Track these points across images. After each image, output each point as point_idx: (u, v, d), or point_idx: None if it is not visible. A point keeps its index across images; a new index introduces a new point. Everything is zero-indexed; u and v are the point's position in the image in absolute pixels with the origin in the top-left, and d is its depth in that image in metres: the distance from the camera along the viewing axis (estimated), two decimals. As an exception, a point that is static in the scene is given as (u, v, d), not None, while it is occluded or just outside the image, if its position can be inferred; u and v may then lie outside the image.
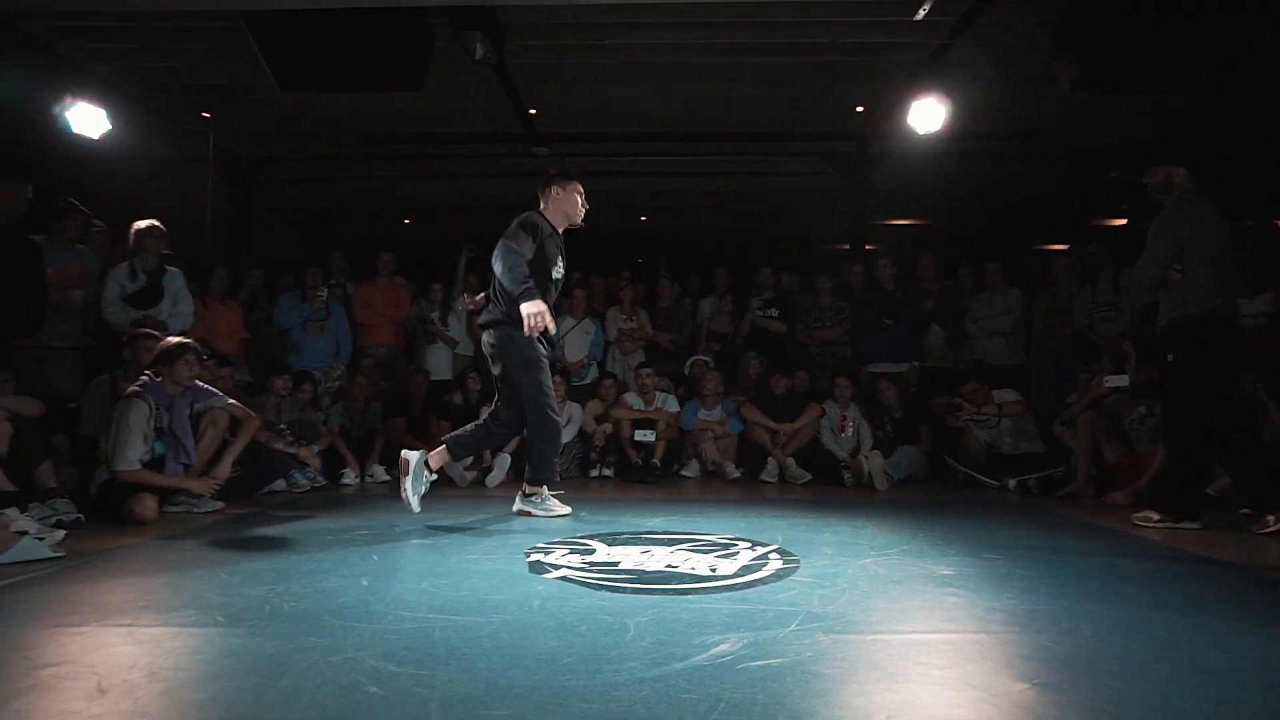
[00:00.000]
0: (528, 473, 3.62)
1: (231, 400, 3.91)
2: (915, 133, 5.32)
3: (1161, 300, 3.46)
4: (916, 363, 5.87)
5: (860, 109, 6.14)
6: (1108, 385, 4.65)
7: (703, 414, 5.54)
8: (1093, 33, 4.15)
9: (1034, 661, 1.62)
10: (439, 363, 6.07)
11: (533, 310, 3.17)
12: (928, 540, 3.00)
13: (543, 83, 5.69)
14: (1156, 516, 3.42)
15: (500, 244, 3.33)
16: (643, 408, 5.47)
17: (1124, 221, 8.78)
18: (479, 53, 4.56)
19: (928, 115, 5.16)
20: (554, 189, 3.66)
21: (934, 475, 5.23)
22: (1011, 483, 4.72)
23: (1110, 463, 4.46)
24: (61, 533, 2.82)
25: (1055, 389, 5.35)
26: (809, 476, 5.12)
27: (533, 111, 6.24)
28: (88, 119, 5.08)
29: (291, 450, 4.58)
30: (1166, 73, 4.30)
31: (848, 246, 7.43)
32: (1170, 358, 3.44)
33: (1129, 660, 1.63)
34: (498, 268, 3.31)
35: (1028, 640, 1.77)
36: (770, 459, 5.25)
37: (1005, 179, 7.59)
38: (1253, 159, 6.64)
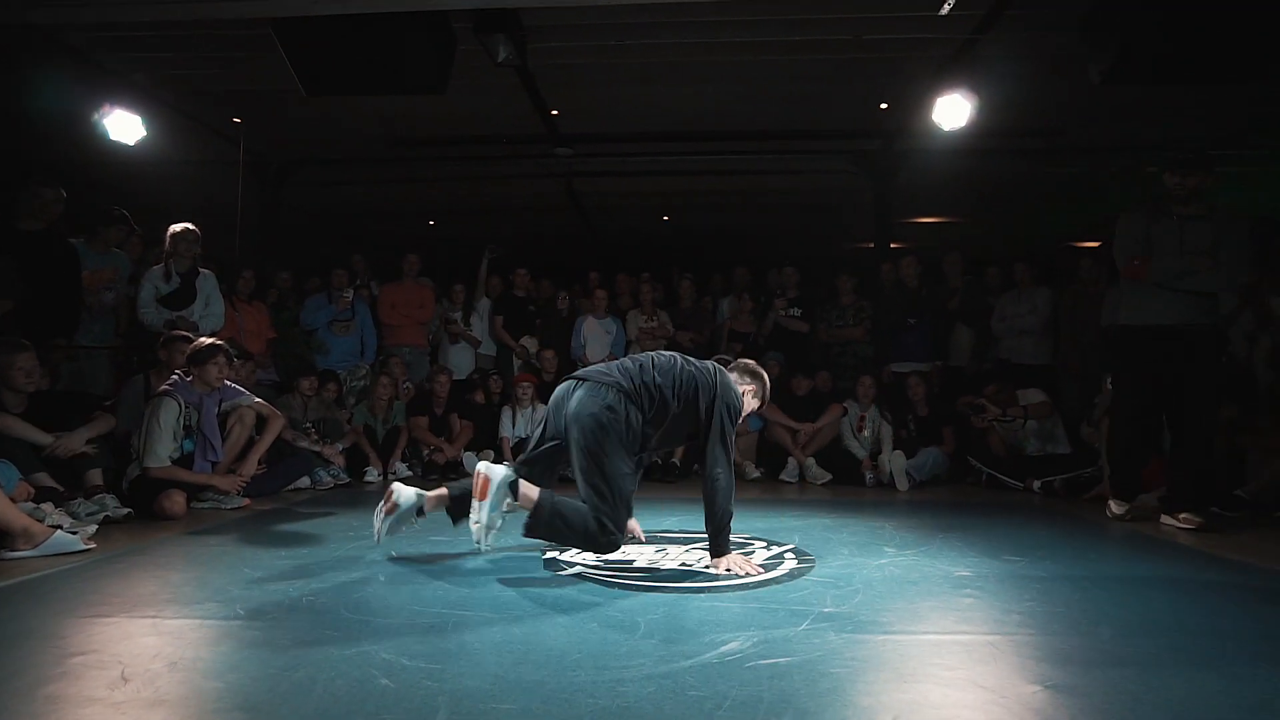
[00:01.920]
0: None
1: (258, 399, 3.99)
2: (940, 129, 5.23)
3: (1204, 300, 3.48)
4: (940, 362, 5.79)
5: (884, 106, 6.06)
6: (1109, 387, 4.55)
7: (723, 413, 5.51)
8: (1124, 23, 4.03)
9: (1048, 664, 1.59)
10: (461, 362, 6.14)
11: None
12: (947, 541, 2.96)
13: (565, 84, 5.71)
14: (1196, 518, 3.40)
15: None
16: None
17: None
18: (502, 55, 4.59)
19: (953, 111, 5.08)
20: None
21: (957, 476, 5.15)
22: (1036, 484, 4.63)
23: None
24: (93, 527, 2.91)
25: (1083, 390, 5.24)
26: (829, 477, 5.08)
27: (555, 112, 6.27)
28: (124, 126, 5.21)
29: (316, 448, 4.66)
30: (1202, 63, 4.17)
31: (872, 245, 7.34)
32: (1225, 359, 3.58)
33: (1148, 665, 1.60)
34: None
35: (1043, 643, 1.74)
36: (790, 459, 5.22)
37: (1033, 175, 7.44)
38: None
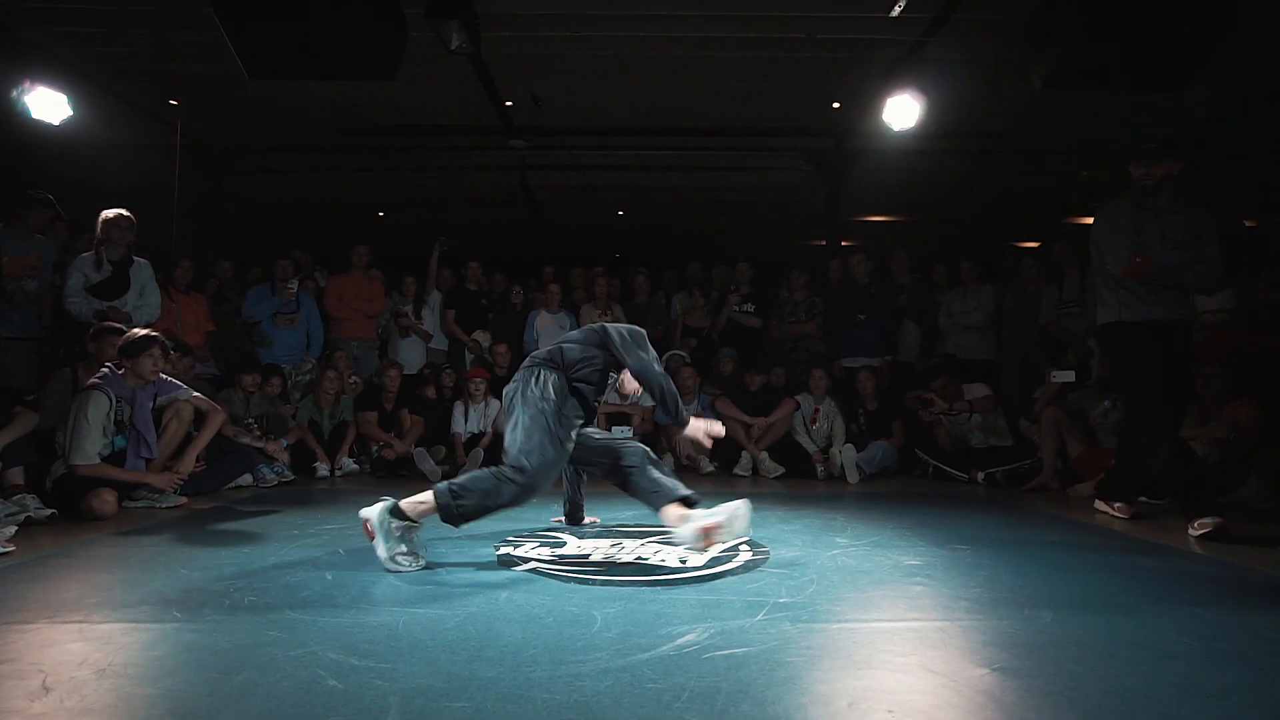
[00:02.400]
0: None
1: (196, 393, 3.83)
2: (890, 130, 5.35)
3: (1181, 293, 3.40)
4: (889, 357, 5.92)
5: (837, 105, 6.16)
6: (1055, 380, 4.74)
7: (678, 408, 5.53)
8: (1064, 32, 4.19)
9: (995, 648, 1.64)
10: (412, 357, 6.01)
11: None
12: (896, 532, 3.03)
13: (520, 75, 5.63)
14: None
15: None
16: (618, 402, 5.45)
17: (1092, 220, 8.93)
18: (454, 42, 4.50)
19: (903, 112, 5.20)
20: None
21: (905, 469, 5.28)
22: (980, 475, 4.78)
23: (1073, 456, 4.54)
24: (13, 529, 2.74)
25: (1023, 384, 5.43)
26: (782, 470, 5.14)
27: (509, 104, 6.18)
28: (48, 104, 4.93)
29: (259, 444, 4.50)
30: (1136, 71, 4.36)
31: (824, 242, 7.46)
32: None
33: (1088, 646, 1.65)
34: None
35: (990, 627, 1.79)
36: (744, 453, 5.27)
37: (978, 177, 7.66)
38: (1216, 160, 6.78)
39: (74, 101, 5.02)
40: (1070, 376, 4.70)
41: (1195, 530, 2.99)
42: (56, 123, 4.99)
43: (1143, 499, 3.84)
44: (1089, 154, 7.06)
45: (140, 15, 4.69)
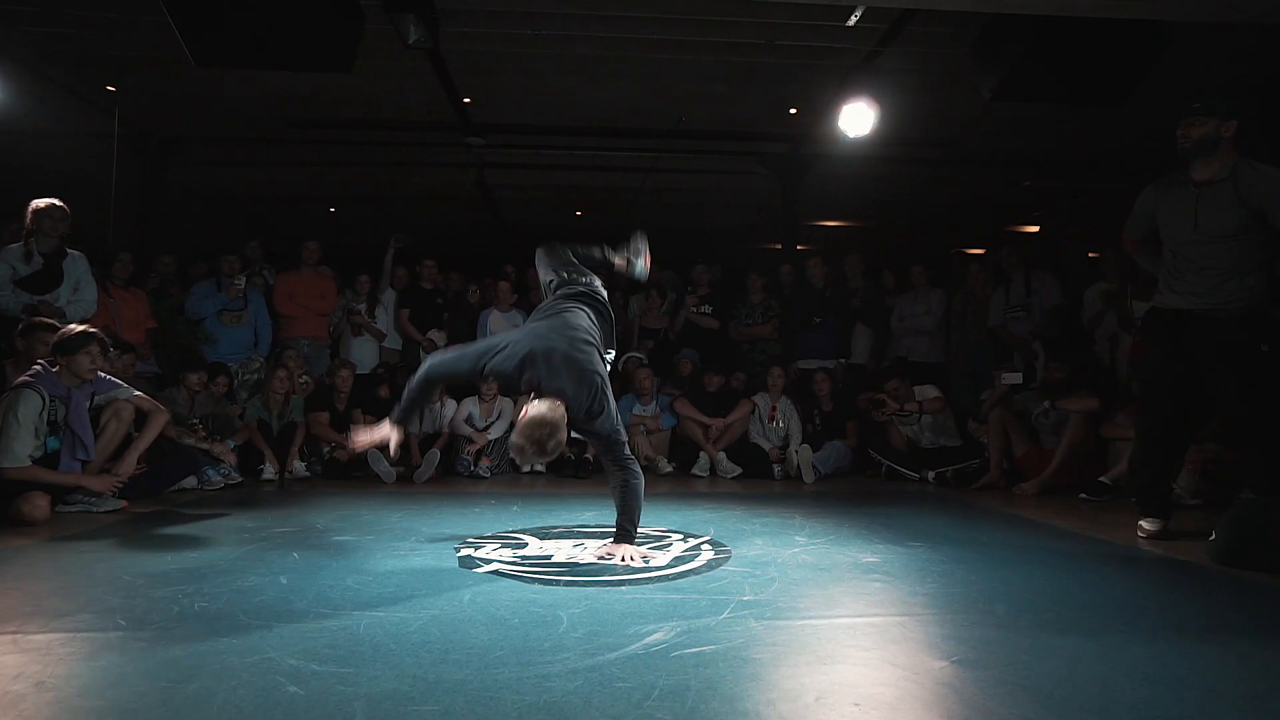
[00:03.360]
0: None
1: (137, 392, 3.66)
2: (845, 136, 5.47)
3: (1240, 279, 2.86)
4: (843, 360, 6.05)
5: (793, 111, 6.27)
6: (1004, 382, 4.92)
7: (637, 409, 5.54)
8: (1011, 46, 4.37)
9: (953, 641, 1.69)
10: (364, 356, 5.87)
11: None
12: (853, 530, 3.09)
13: (479, 71, 5.56)
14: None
15: None
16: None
17: (1036, 228, 9.29)
18: (412, 36, 4.41)
19: (857, 119, 5.32)
20: None
21: (859, 468, 5.40)
22: (930, 475, 4.92)
23: (1018, 456, 4.71)
24: (-62, 534, 2.58)
25: (971, 386, 5.61)
26: (739, 470, 5.20)
27: (467, 100, 6.10)
28: (-28, 87, 4.66)
29: (204, 445, 4.33)
30: (1077, 86, 4.58)
31: (779, 246, 7.58)
32: (1266, 349, 2.89)
33: (1038, 636, 1.72)
34: None
35: (947, 621, 1.84)
36: (702, 453, 5.30)
37: (929, 184, 7.89)
38: (1153, 173, 7.12)
39: (3, 84, 4.75)
40: (1019, 378, 4.89)
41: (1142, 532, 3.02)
42: (-17, 106, 4.72)
43: (1082, 495, 4.02)
44: (1034, 164, 7.34)
45: (76, -5, 4.47)
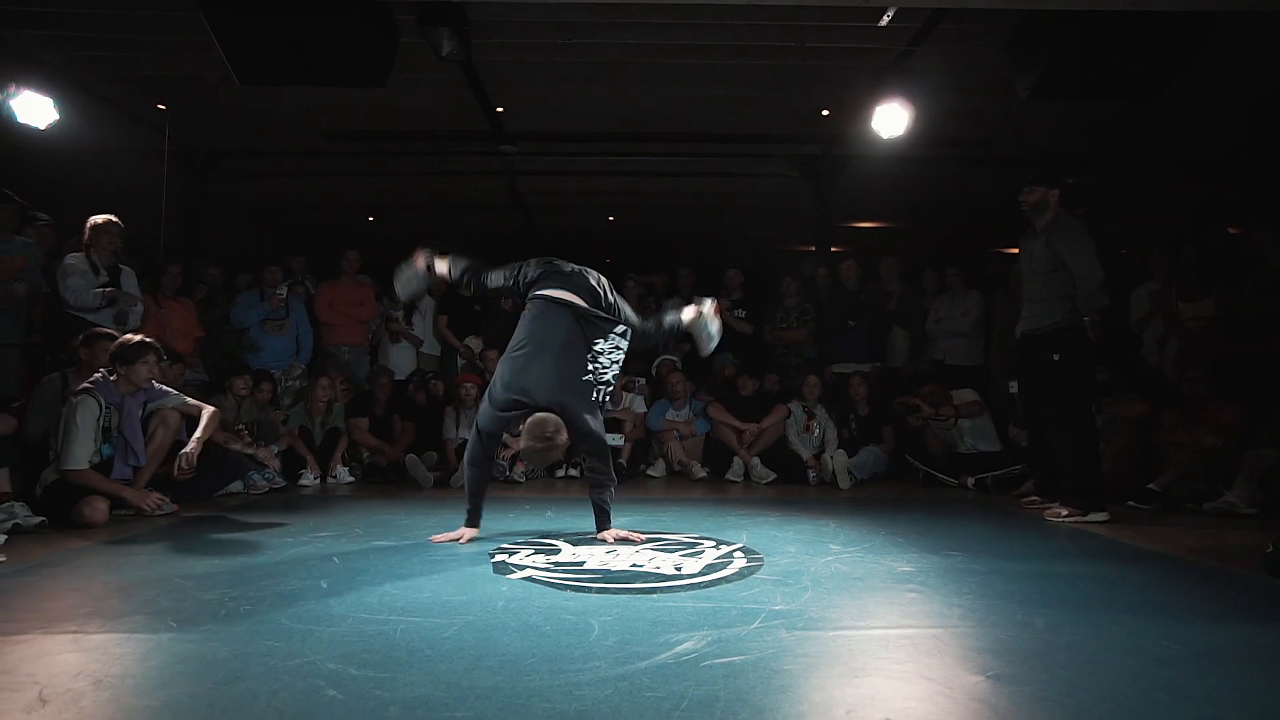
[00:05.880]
0: None
1: (187, 398, 3.80)
2: (879, 137, 5.40)
3: (1049, 305, 3.78)
4: (879, 363, 5.97)
5: (825, 112, 6.21)
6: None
7: (670, 414, 5.55)
8: (1048, 44, 4.27)
9: (989, 655, 1.66)
10: (402, 362, 5.99)
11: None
12: (889, 538, 3.05)
13: (510, 80, 5.64)
14: (1065, 511, 3.61)
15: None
16: (610, 408, 5.46)
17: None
18: (445, 49, 4.50)
19: (891, 120, 5.25)
20: None
21: (896, 474, 5.32)
22: (970, 481, 4.83)
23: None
24: (2, 538, 2.72)
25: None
26: (774, 476, 5.17)
27: (500, 109, 6.18)
28: (34, 108, 4.88)
29: (250, 451, 4.47)
30: (1116, 81, 4.46)
31: (813, 248, 7.51)
32: (1057, 358, 3.72)
33: (1078, 652, 1.68)
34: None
35: (983, 634, 1.81)
36: (736, 458, 5.29)
37: (965, 184, 7.74)
38: (1192, 170, 6.90)
39: (60, 105, 4.98)
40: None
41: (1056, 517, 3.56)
42: (43, 127, 4.95)
43: (1130, 503, 3.92)
44: (1072, 162, 7.15)
45: (129, 20, 4.65)
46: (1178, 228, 6.55)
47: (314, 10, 4.00)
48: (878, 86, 5.31)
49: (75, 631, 1.78)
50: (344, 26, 4.09)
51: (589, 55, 5.21)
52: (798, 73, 5.44)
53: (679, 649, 1.65)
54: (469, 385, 5.36)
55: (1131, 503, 3.97)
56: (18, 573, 2.40)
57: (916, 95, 5.15)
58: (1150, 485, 4.06)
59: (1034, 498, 4.03)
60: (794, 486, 5.01)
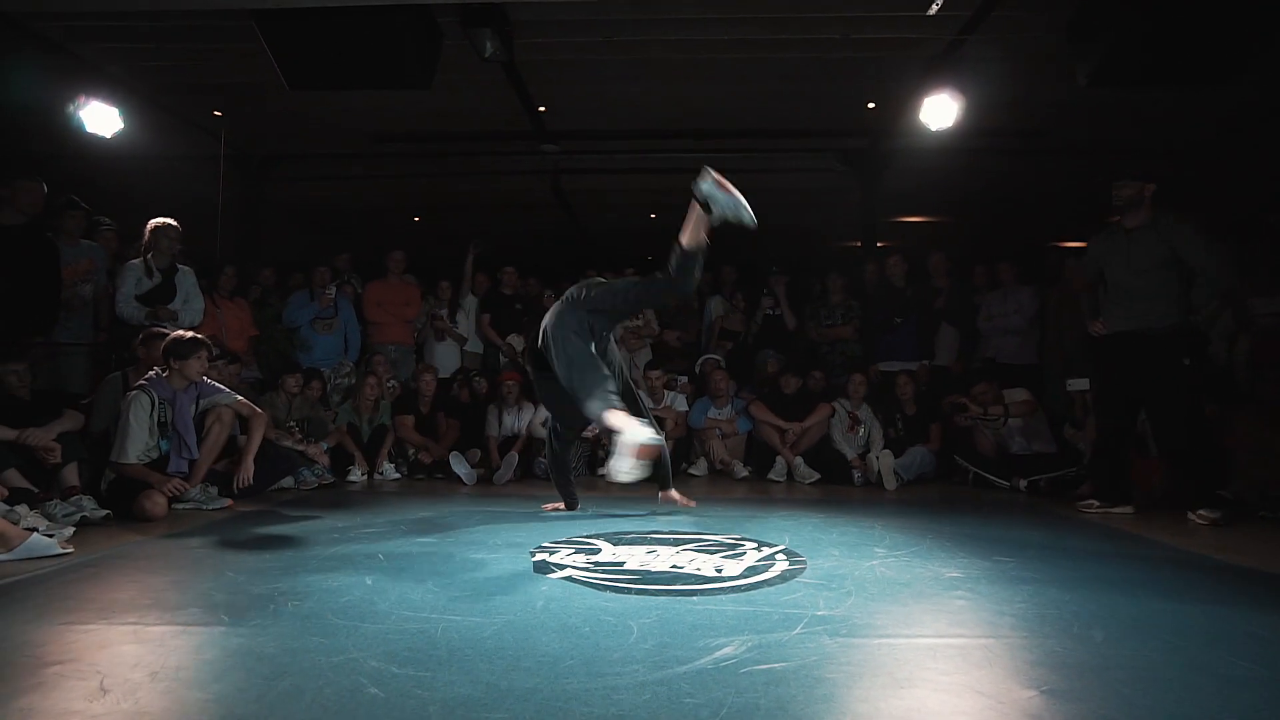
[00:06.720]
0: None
1: (239, 397, 3.92)
2: (927, 129, 5.26)
3: (1164, 304, 3.66)
4: (927, 361, 5.82)
5: (871, 105, 6.08)
6: (1070, 389, 4.62)
7: (712, 413, 5.51)
8: (1110, 26, 4.08)
9: (1043, 668, 1.59)
10: (447, 360, 6.08)
11: None
12: (936, 541, 2.96)
13: (552, 80, 5.67)
14: (1207, 514, 3.52)
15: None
16: (651, 406, 5.45)
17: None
18: (488, 50, 4.54)
19: (940, 111, 5.11)
20: None
21: (944, 475, 5.18)
22: (1022, 483, 4.67)
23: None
24: (70, 530, 2.84)
25: (1068, 390, 5.28)
26: (817, 476, 5.09)
27: (542, 109, 6.22)
28: (100, 118, 5.11)
29: (300, 448, 4.60)
30: (1184, 65, 4.23)
31: (859, 244, 7.37)
32: (1187, 362, 3.65)
33: (1142, 667, 1.60)
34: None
35: (1037, 645, 1.74)
36: (778, 458, 5.22)
37: (1018, 175, 7.50)
38: (1264, 155, 6.52)
39: (124, 115, 5.19)
40: (1085, 385, 4.58)
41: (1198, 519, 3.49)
42: (108, 136, 5.17)
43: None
44: (1134, 151, 6.84)
45: (186, 30, 4.83)
46: (1246, 219, 6.21)
47: (359, 16, 4.08)
48: (926, 77, 5.17)
49: (135, 623, 1.85)
50: (389, 31, 4.16)
51: (630, 53, 5.21)
52: (843, 65, 5.33)
53: (719, 654, 1.63)
54: (511, 383, 5.42)
55: (1201, 511, 3.77)
56: (85, 564, 2.51)
57: (967, 85, 5.00)
58: (1221, 491, 3.85)
59: (1093, 502, 3.87)
60: (838, 487, 4.92)
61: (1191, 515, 3.56)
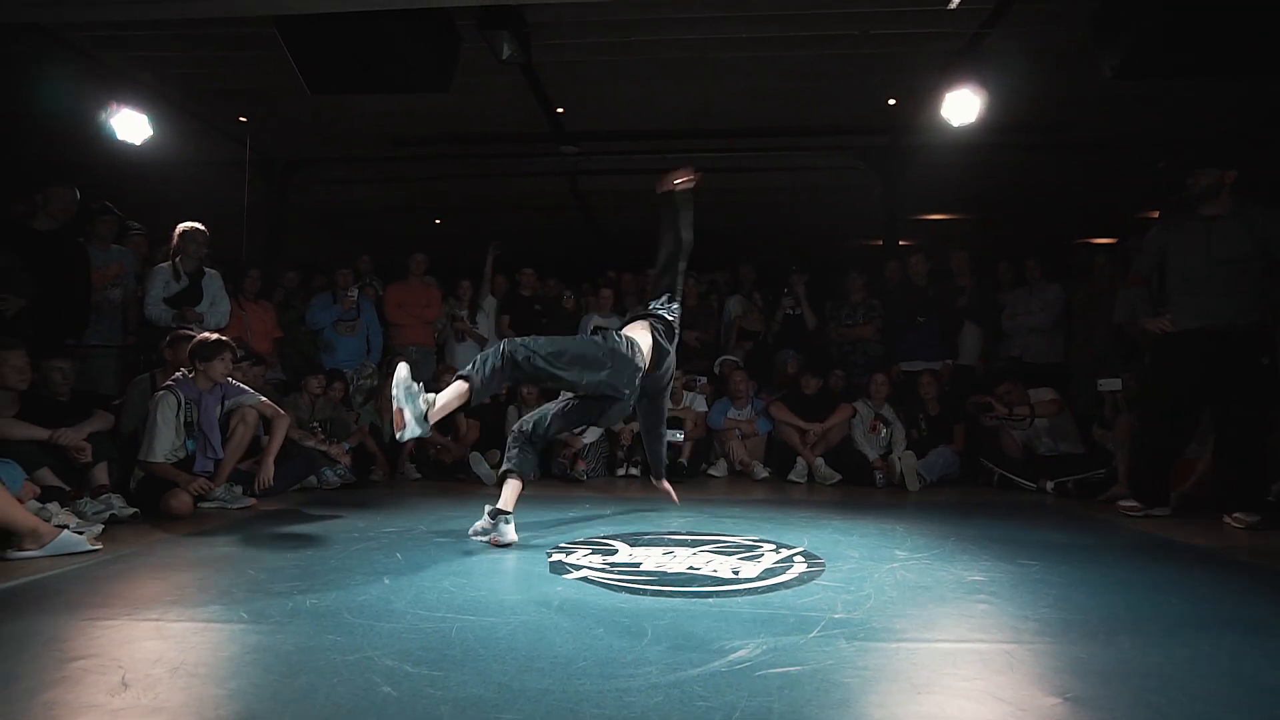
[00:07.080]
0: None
1: (262, 398, 3.97)
2: (949, 125, 5.18)
3: (1245, 301, 3.47)
4: (950, 361, 5.74)
5: (892, 102, 6.01)
6: (1101, 389, 4.51)
7: (732, 413, 5.48)
8: (1137, 17, 3.99)
9: (1067, 675, 1.55)
10: (467, 360, 6.10)
11: None
12: (959, 544, 2.91)
13: (570, 81, 5.68)
14: (1244, 518, 3.43)
15: None
16: (670, 406, 5.43)
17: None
18: (506, 52, 4.56)
19: (962, 107, 5.02)
20: None
21: (969, 476, 5.10)
22: (1049, 485, 4.58)
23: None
24: (100, 527, 2.90)
25: (1096, 389, 5.17)
26: (838, 477, 5.03)
27: (560, 110, 6.24)
28: (131, 125, 5.21)
29: (323, 448, 4.65)
30: (1216, 57, 4.12)
31: (880, 242, 7.28)
32: (1267, 361, 3.46)
33: (1170, 675, 1.55)
34: None
35: (1061, 652, 1.70)
36: (799, 459, 5.17)
37: (1043, 171, 7.36)
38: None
39: (153, 121, 5.30)
40: (1117, 385, 4.47)
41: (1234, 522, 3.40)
42: (138, 143, 5.27)
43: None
44: (1164, 144, 6.68)
45: (212, 38, 4.92)
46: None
47: (379, 20, 4.12)
48: (947, 72, 5.09)
49: (158, 619, 1.88)
50: (407, 35, 4.20)
51: (648, 53, 5.20)
52: (862, 62, 5.28)
53: (733, 657, 1.61)
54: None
55: (1238, 514, 3.66)
56: (113, 560, 2.56)
57: (989, 79, 4.91)
58: (1270, 497, 3.75)
59: (1135, 504, 3.73)
60: (859, 489, 4.86)
61: (1227, 518, 3.46)
